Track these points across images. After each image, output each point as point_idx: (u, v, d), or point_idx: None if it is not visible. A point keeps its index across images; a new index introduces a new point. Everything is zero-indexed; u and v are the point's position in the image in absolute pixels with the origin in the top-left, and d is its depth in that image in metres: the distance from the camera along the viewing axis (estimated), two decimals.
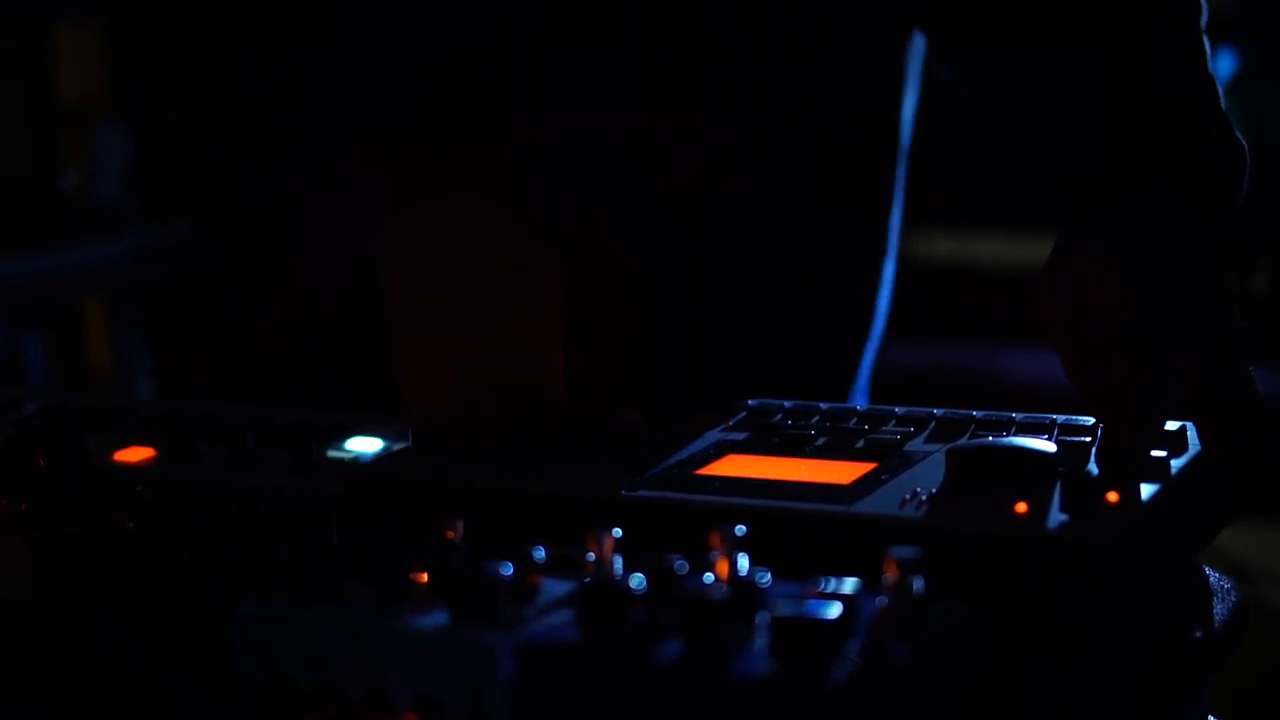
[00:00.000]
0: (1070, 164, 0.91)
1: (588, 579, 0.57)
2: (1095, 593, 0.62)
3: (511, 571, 0.59)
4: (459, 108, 0.99)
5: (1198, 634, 0.68)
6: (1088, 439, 0.75)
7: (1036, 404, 0.81)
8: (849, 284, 1.06)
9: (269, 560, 0.67)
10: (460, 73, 0.98)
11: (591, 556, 0.58)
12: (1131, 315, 0.77)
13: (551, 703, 0.56)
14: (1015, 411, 0.79)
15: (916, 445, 0.76)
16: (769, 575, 0.57)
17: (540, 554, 0.60)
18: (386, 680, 0.58)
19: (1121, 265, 0.79)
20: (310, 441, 0.80)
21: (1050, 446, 0.71)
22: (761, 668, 0.53)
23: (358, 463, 0.80)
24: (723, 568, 0.58)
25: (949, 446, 0.73)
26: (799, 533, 0.67)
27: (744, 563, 0.58)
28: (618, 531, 0.58)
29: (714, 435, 0.80)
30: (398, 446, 0.81)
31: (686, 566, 0.58)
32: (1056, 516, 0.65)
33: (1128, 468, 0.69)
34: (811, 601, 0.54)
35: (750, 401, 0.84)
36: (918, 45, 1.05)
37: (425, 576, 0.60)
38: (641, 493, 0.72)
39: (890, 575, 0.56)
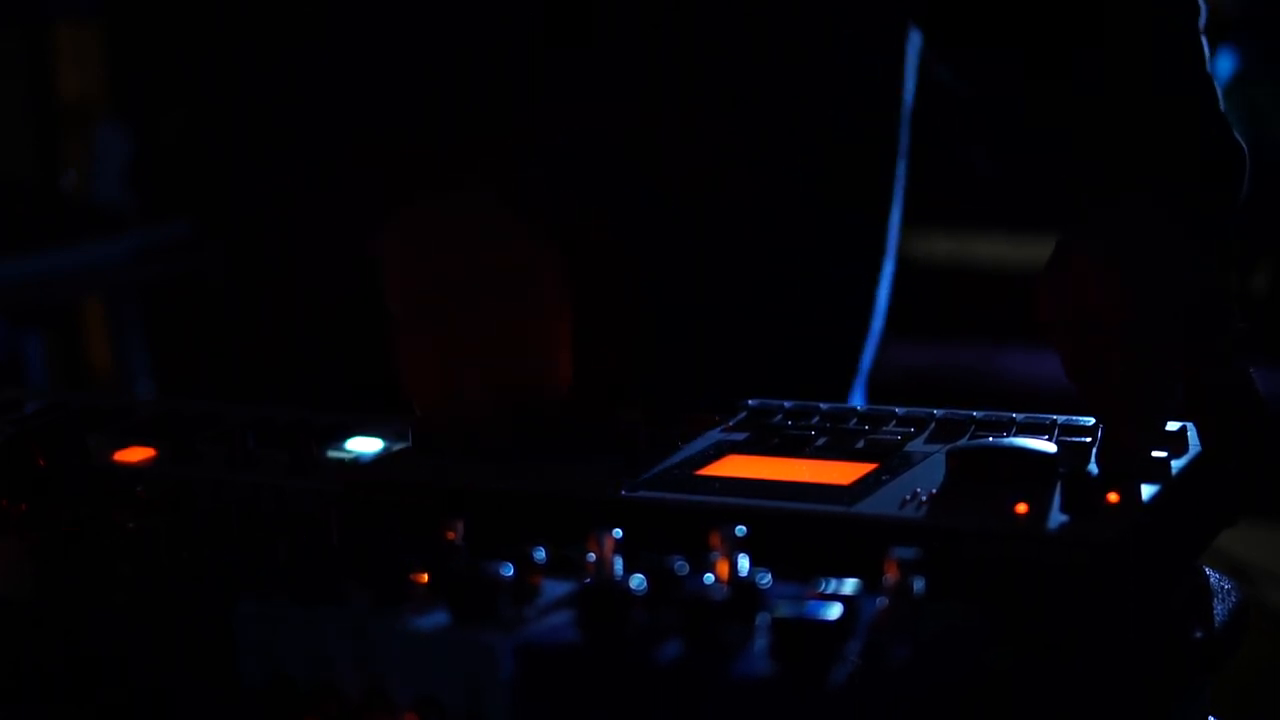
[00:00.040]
0: (1070, 164, 0.91)
1: (588, 580, 0.57)
2: (1095, 593, 0.62)
3: (511, 572, 0.59)
4: (459, 108, 0.98)
5: (1198, 634, 0.68)
6: (1088, 439, 0.75)
7: (1036, 404, 0.81)
8: (849, 284, 1.06)
9: (269, 560, 0.67)
10: (460, 73, 0.98)
11: (592, 557, 0.58)
12: (1131, 315, 0.77)
13: (551, 703, 0.56)
14: (1015, 412, 0.79)
15: (917, 446, 0.76)
16: (769, 576, 0.57)
17: (540, 554, 0.60)
18: (386, 680, 0.58)
19: (1121, 265, 0.79)
20: (310, 441, 0.80)
21: (1050, 447, 0.71)
22: (762, 668, 0.53)
23: (358, 463, 0.80)
24: (723, 568, 0.58)
25: (949, 447, 0.73)
26: (799, 533, 0.67)
27: (744, 563, 0.58)
28: (618, 532, 0.58)
29: (714, 435, 0.80)
30: (398, 446, 0.81)
31: (687, 567, 0.58)
32: (1057, 517, 0.65)
33: (1128, 468, 0.69)
34: (812, 602, 0.54)
35: (750, 401, 0.84)
36: (916, 45, 1.05)
37: (425, 576, 0.60)
38: (641, 493, 0.72)
39: (890, 576, 0.56)
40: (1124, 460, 0.71)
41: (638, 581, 0.57)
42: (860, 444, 0.76)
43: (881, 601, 0.56)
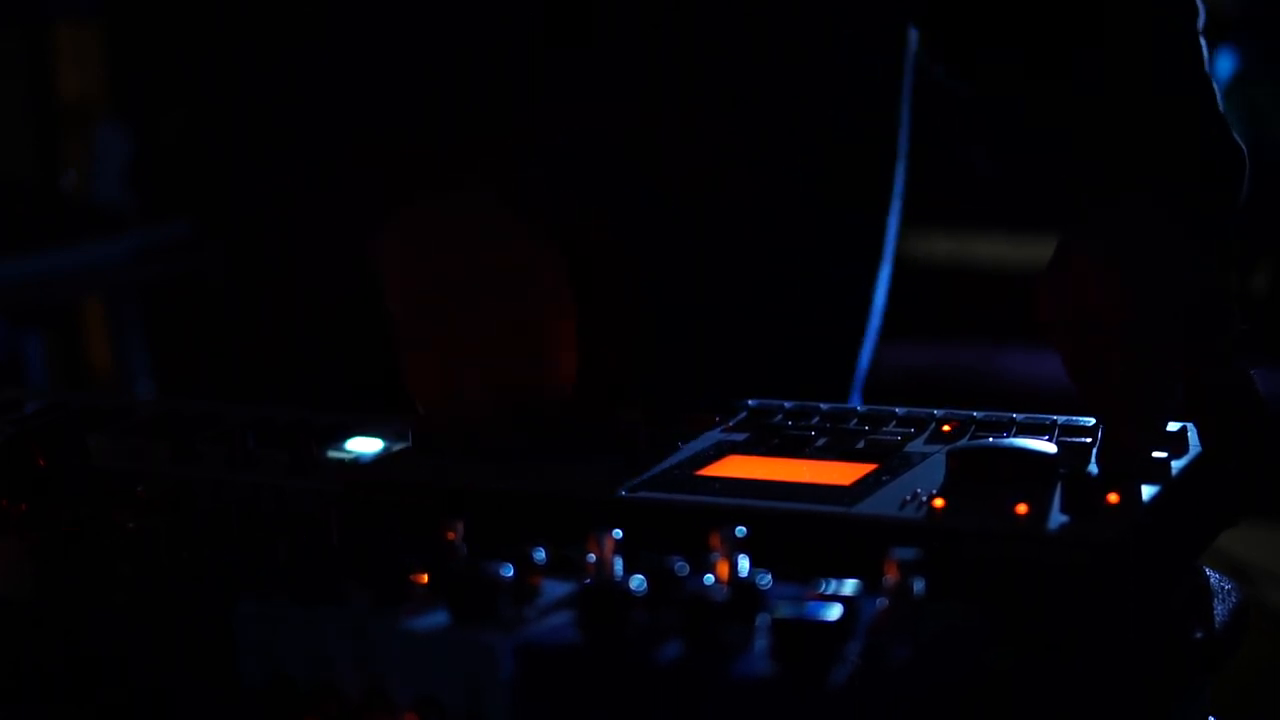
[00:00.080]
0: (1070, 164, 0.91)
1: (588, 580, 0.57)
2: (1095, 593, 0.62)
3: (511, 572, 0.59)
4: (459, 108, 0.98)
5: (1198, 634, 0.68)
6: (1088, 439, 0.75)
7: (1036, 404, 0.81)
8: (848, 284, 1.06)
9: (269, 560, 0.67)
10: (460, 73, 0.98)
11: (592, 557, 0.58)
12: (1131, 315, 0.77)
13: (551, 703, 0.56)
14: (1015, 412, 0.79)
15: (917, 446, 0.76)
16: (769, 577, 0.57)
17: (540, 555, 0.60)
18: (386, 680, 0.58)
19: (1121, 265, 0.79)
20: (310, 441, 0.80)
21: (1050, 447, 0.71)
22: (762, 669, 0.53)
23: (358, 463, 0.80)
24: (723, 569, 0.58)
25: (949, 447, 0.73)
26: (799, 534, 0.67)
27: (744, 564, 0.58)
28: (618, 532, 0.58)
29: (714, 436, 0.80)
30: (398, 446, 0.81)
31: (687, 568, 0.58)
32: (1057, 517, 0.65)
33: (1128, 468, 0.69)
34: (812, 603, 0.54)
35: (750, 401, 0.84)
36: (915, 44, 1.05)
37: (425, 576, 0.60)
38: (641, 493, 0.72)
39: (890, 576, 0.56)
40: (1124, 460, 0.71)
41: (638, 582, 0.57)
42: (860, 444, 0.76)
43: (881, 602, 0.56)
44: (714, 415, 0.82)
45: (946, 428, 0.78)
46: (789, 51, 1.00)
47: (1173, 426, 0.75)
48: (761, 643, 0.54)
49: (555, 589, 0.60)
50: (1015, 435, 0.76)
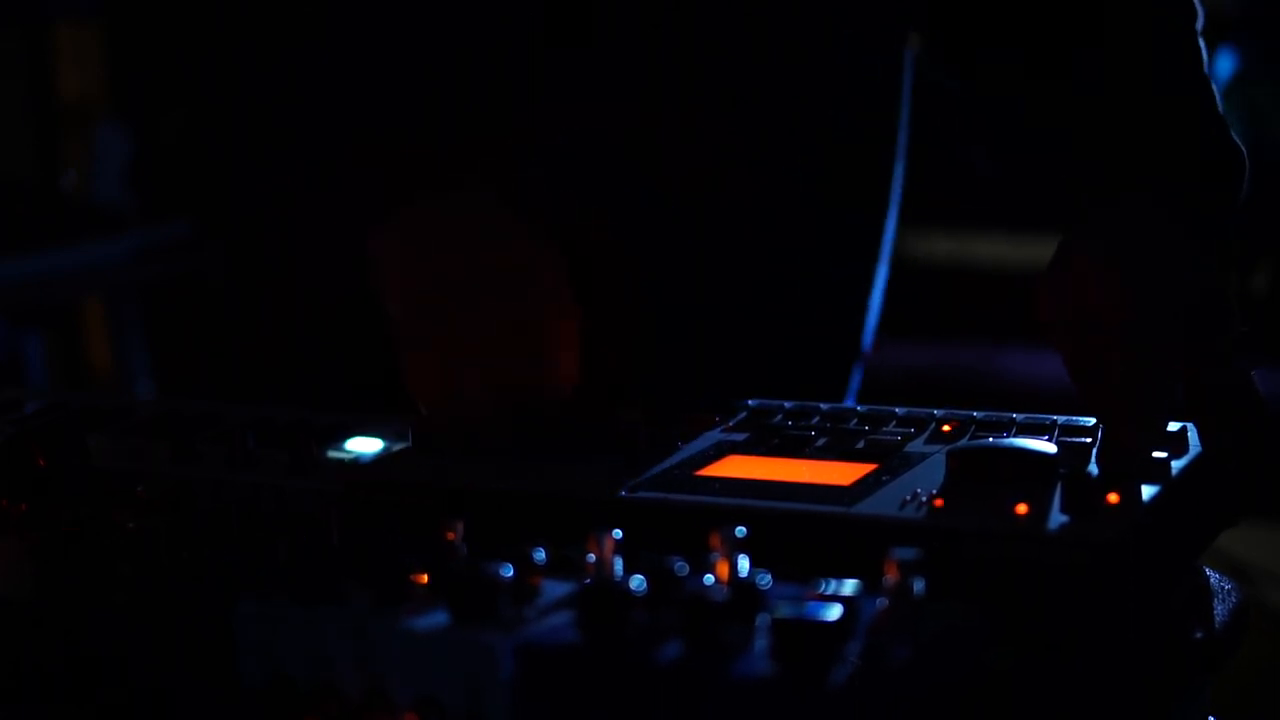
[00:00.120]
0: (1070, 164, 0.91)
1: (588, 580, 0.57)
2: (1095, 593, 0.62)
3: (511, 572, 0.59)
4: (459, 108, 0.98)
5: (1198, 634, 0.68)
6: (1088, 439, 0.75)
7: (1036, 404, 0.81)
8: (848, 284, 1.06)
9: (269, 560, 0.67)
10: (460, 73, 0.98)
11: (592, 558, 0.58)
12: (1131, 315, 0.77)
13: (551, 703, 0.56)
14: (1015, 412, 0.79)
15: (917, 446, 0.76)
16: (769, 577, 0.57)
17: (540, 555, 0.60)
18: (386, 680, 0.58)
19: (1121, 265, 0.79)
20: (310, 441, 0.80)
21: (1050, 447, 0.71)
22: (762, 669, 0.53)
23: (358, 463, 0.80)
24: (723, 569, 0.58)
25: (949, 447, 0.73)
26: (799, 534, 0.67)
27: (744, 564, 0.58)
28: (618, 532, 0.58)
29: (714, 436, 0.80)
30: (398, 446, 0.81)
31: (687, 568, 0.58)
32: (1057, 517, 0.65)
33: (1128, 468, 0.69)
34: (812, 603, 0.54)
35: (750, 401, 0.84)
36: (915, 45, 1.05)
37: (425, 576, 0.60)
38: (641, 493, 0.72)
39: (890, 576, 0.56)
40: (1124, 460, 0.71)
41: (638, 582, 0.57)
42: (860, 444, 0.76)
43: (881, 602, 0.56)
44: (714, 415, 0.82)
45: (946, 428, 0.78)
46: (789, 51, 1.00)
47: (1173, 426, 0.75)
48: (761, 643, 0.54)
49: (555, 589, 0.60)
50: (1015, 435, 0.76)
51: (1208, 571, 0.74)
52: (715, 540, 0.58)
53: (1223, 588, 0.72)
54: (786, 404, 0.83)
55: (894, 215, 1.08)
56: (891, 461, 0.74)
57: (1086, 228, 0.82)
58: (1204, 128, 0.87)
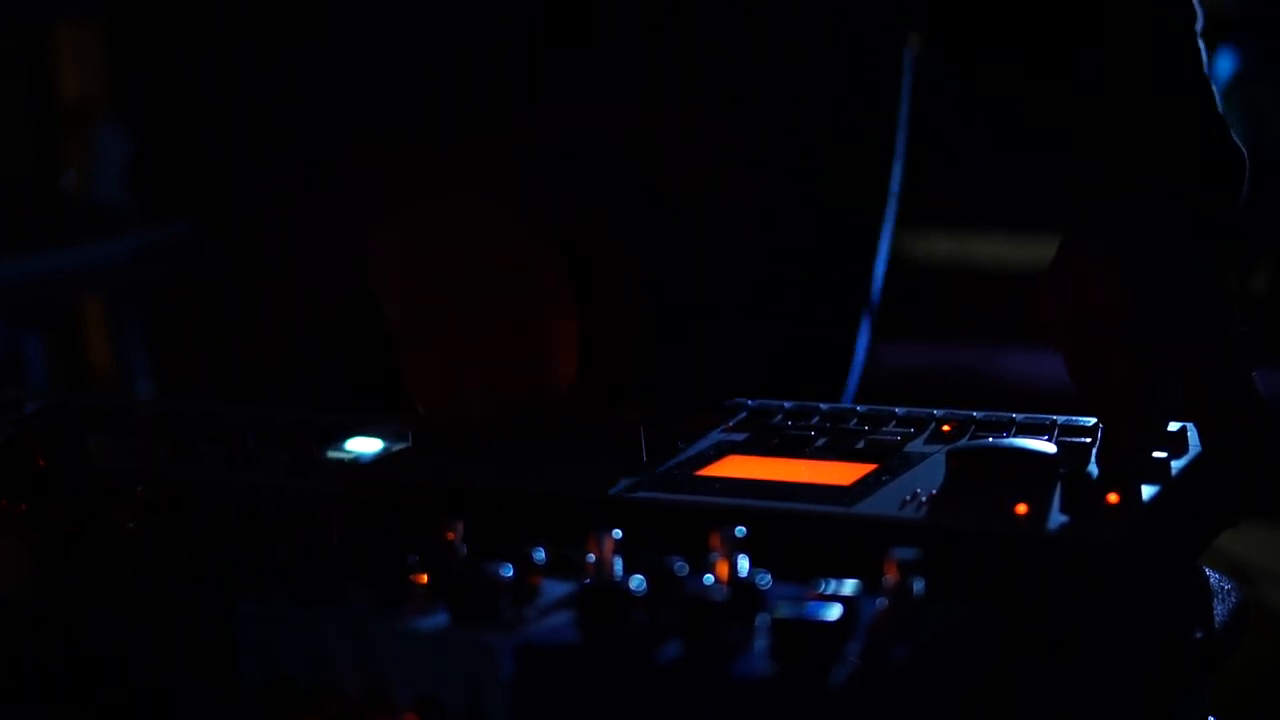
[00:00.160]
0: (1070, 164, 0.91)
1: (588, 580, 0.57)
2: (1095, 593, 0.62)
3: (511, 572, 0.59)
4: (459, 108, 0.98)
5: (1198, 634, 0.68)
6: (1088, 439, 0.75)
7: (1036, 404, 0.81)
8: (846, 284, 1.06)
9: (269, 560, 0.67)
10: (460, 73, 0.98)
11: (591, 558, 0.58)
12: (1131, 315, 0.77)
13: (551, 703, 0.56)
14: (1015, 412, 0.79)
15: (916, 446, 0.76)
16: (769, 577, 0.57)
17: (540, 555, 0.60)
18: (386, 680, 0.58)
19: (1122, 265, 0.79)
20: (310, 441, 0.80)
21: (1050, 447, 0.71)
22: (762, 669, 0.53)
23: (358, 463, 0.80)
24: (723, 569, 0.58)
25: (949, 447, 0.73)
26: (799, 534, 0.67)
27: (744, 564, 0.58)
28: (618, 533, 0.58)
29: (714, 436, 0.80)
30: (398, 446, 0.81)
31: (686, 568, 0.58)
32: (1057, 517, 0.65)
33: (1128, 468, 0.69)
34: (812, 603, 0.54)
35: (750, 401, 0.84)
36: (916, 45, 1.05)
37: (425, 576, 0.60)
38: (641, 493, 0.72)
39: (890, 576, 0.56)
40: (1124, 460, 0.71)
41: (638, 582, 0.57)
42: (860, 444, 0.76)
43: (881, 602, 0.56)
44: (714, 415, 0.82)
45: (946, 428, 0.78)
46: (789, 51, 1.00)
47: (1173, 426, 0.75)
48: (761, 643, 0.54)
49: (555, 589, 0.60)
50: (1015, 435, 0.76)
51: (1208, 571, 0.74)
52: (715, 540, 0.58)
53: (1223, 588, 0.72)
54: (786, 404, 0.83)
55: (892, 216, 1.08)
56: (891, 461, 0.74)
57: (1086, 228, 0.82)
58: (1204, 128, 0.87)
